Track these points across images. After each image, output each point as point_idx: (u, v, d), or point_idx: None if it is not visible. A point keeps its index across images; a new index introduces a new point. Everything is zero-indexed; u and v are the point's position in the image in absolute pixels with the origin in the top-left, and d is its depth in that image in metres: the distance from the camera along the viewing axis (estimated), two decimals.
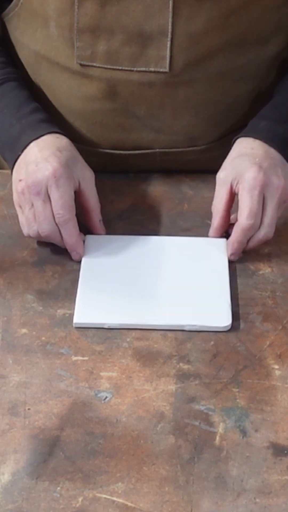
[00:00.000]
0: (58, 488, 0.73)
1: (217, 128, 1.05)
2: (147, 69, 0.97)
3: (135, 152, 1.06)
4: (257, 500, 0.72)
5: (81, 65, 0.99)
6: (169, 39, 0.95)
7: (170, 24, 0.94)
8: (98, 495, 0.72)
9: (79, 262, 0.93)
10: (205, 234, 0.98)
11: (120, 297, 0.89)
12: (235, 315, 0.88)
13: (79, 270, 0.92)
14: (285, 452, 0.76)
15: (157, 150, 1.05)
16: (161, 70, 0.97)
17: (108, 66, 0.98)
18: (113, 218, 1.01)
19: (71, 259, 0.94)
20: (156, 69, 0.97)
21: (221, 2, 0.94)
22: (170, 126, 1.03)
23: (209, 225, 0.97)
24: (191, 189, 1.05)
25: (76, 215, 0.92)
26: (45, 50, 1.01)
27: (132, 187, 1.06)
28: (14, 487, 0.73)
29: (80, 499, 0.72)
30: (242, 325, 0.87)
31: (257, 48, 1.00)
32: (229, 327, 0.87)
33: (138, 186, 1.06)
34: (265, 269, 0.94)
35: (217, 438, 0.77)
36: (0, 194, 1.04)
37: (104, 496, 0.72)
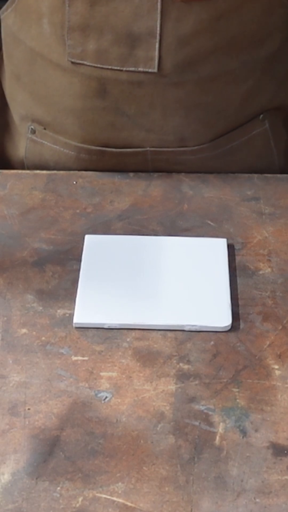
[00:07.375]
0: (58, 488, 0.73)
1: (208, 129, 1.04)
2: (136, 69, 0.97)
3: (126, 150, 1.05)
4: (257, 500, 0.72)
5: (72, 62, 0.99)
6: (157, 40, 0.95)
7: (158, 25, 0.94)
8: (98, 495, 0.72)
9: (79, 262, 0.93)
10: (205, 234, 0.98)
11: (120, 297, 0.89)
12: (235, 315, 0.88)
13: (79, 270, 0.92)
14: (285, 452, 0.76)
15: (148, 148, 1.05)
16: (149, 70, 0.97)
17: (98, 65, 0.98)
18: (113, 218, 1.01)
19: (71, 259, 0.94)
20: (145, 69, 0.97)
21: (210, 4, 0.93)
22: (161, 126, 1.02)
23: (209, 225, 0.97)
24: (191, 189, 1.05)
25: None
26: (39, 46, 1.01)
27: (132, 187, 1.06)
28: (14, 487, 0.73)
29: (80, 499, 0.72)
30: (242, 325, 0.87)
31: (251, 50, 0.99)
32: (229, 327, 0.87)
33: (138, 186, 1.06)
34: (265, 269, 0.94)
35: (217, 438, 0.77)
36: (0, 194, 1.04)
37: (104, 496, 0.72)
